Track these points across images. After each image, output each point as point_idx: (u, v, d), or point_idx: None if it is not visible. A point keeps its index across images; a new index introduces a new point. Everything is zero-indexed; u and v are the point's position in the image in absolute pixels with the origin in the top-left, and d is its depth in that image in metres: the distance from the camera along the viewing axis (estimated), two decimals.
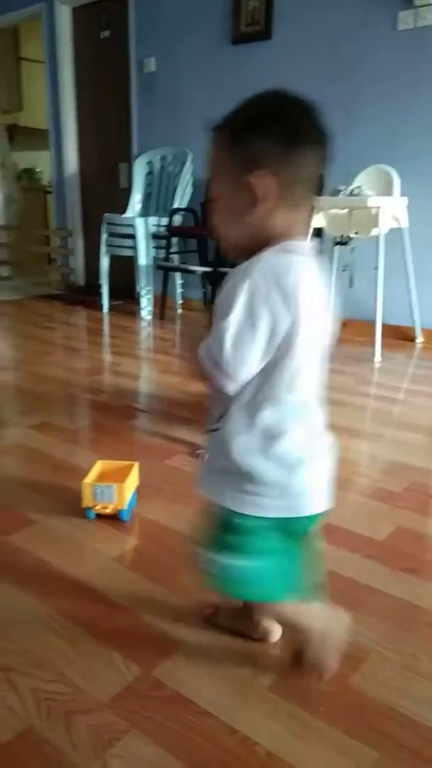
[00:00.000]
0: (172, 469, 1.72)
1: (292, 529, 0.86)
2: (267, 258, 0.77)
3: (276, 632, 1.01)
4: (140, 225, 3.97)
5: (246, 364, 0.76)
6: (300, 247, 0.79)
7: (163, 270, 4.01)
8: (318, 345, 0.82)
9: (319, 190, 0.81)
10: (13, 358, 3.09)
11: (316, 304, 0.79)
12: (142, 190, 4.39)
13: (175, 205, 4.10)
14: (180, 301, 4.36)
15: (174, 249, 4.06)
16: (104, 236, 4.15)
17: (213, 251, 3.86)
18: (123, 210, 4.35)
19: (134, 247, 4.03)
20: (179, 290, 4.34)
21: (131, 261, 4.18)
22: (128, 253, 4.11)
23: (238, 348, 0.75)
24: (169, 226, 4.01)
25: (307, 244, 0.81)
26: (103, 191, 4.94)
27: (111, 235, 4.14)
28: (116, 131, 4.69)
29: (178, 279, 4.31)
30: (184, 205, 4.14)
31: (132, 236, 4.01)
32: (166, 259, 4.03)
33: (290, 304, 0.75)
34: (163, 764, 0.80)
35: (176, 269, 4.06)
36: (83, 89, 4.86)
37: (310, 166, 0.78)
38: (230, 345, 0.75)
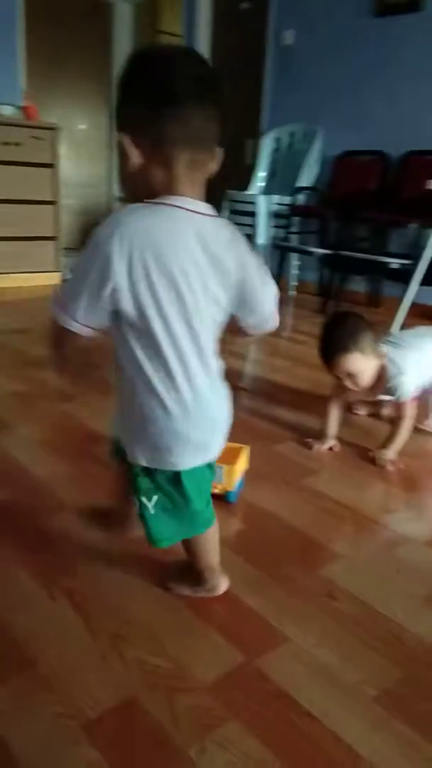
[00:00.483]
0: (281, 456, 1.69)
1: (167, 478, 0.92)
2: (123, 210, 0.83)
3: (222, 585, 1.07)
4: (262, 202, 3.92)
5: (76, 295, 0.81)
6: (179, 201, 0.83)
7: (280, 250, 3.94)
8: (189, 305, 0.84)
9: (208, 144, 0.88)
10: None
11: (172, 259, 0.82)
12: (267, 167, 4.32)
13: (300, 184, 3.99)
14: (294, 283, 4.28)
15: (294, 229, 3.97)
16: (226, 213, 4.13)
17: (335, 233, 3.74)
18: (246, 187, 4.30)
19: (253, 225, 3.98)
20: (294, 272, 4.25)
21: (249, 239, 4.14)
22: (247, 231, 4.07)
23: (72, 282, 0.83)
24: (291, 205, 3.92)
25: (193, 201, 0.85)
26: (229, 167, 4.91)
27: (232, 212, 4.12)
28: (245, 107, 4.63)
29: (294, 260, 4.23)
30: (309, 184, 4.03)
31: (253, 214, 3.96)
32: (285, 238, 3.95)
33: (123, 253, 0.79)
34: (262, 760, 0.78)
35: (294, 249, 3.98)
36: (218, 63, 4.81)
37: (184, 126, 0.81)
38: (69, 280, 0.84)
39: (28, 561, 1.15)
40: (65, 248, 4.24)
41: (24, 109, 3.77)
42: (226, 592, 1.09)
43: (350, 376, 1.60)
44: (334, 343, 1.59)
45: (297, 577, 1.15)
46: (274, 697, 0.88)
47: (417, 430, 1.94)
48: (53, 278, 4.06)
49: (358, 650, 0.97)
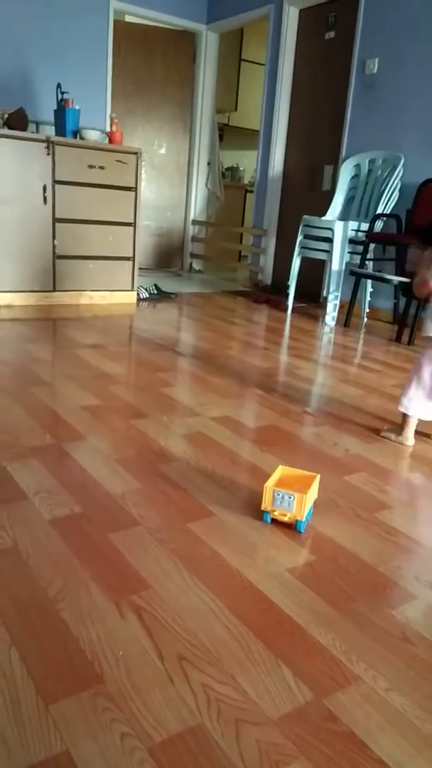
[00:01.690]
0: (352, 487, 1.65)
1: None
2: None
3: None
4: (339, 228, 3.90)
5: None
6: None
7: (355, 276, 3.90)
8: None
9: None
10: (196, 348, 3.21)
11: None
12: (345, 193, 4.31)
13: (379, 211, 3.95)
14: (367, 310, 4.22)
15: (370, 256, 3.92)
16: (300, 237, 4.14)
17: (412, 262, 3.66)
18: (321, 213, 4.30)
19: (329, 251, 3.96)
20: (368, 299, 4.19)
21: (321, 264, 4.12)
22: (321, 256, 4.06)
23: None
24: (369, 232, 3.88)
25: None
26: (304, 193, 4.93)
27: (306, 237, 4.12)
28: (326, 133, 4.65)
29: (368, 287, 4.17)
30: (388, 211, 3.98)
31: (329, 239, 3.95)
32: (361, 265, 3.91)
33: None
34: None
35: (371, 276, 3.93)
36: (299, 91, 4.89)
37: None
38: None
39: (98, 575, 1.16)
40: (140, 268, 4.36)
41: (109, 133, 3.93)
42: (297, 627, 1.06)
43: None
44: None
45: (369, 616, 1.11)
46: (343, 739, 0.84)
47: None
48: (129, 297, 4.17)
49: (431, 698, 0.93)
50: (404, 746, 0.84)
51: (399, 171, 3.91)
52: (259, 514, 1.41)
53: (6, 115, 3.53)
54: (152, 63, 5.52)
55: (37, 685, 0.89)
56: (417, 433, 2.04)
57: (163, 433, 1.92)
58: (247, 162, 7.20)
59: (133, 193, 3.97)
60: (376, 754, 0.82)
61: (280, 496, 1.36)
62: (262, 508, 1.39)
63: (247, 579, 1.19)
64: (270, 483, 1.39)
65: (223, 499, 1.50)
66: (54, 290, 3.84)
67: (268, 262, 5.31)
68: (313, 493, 1.43)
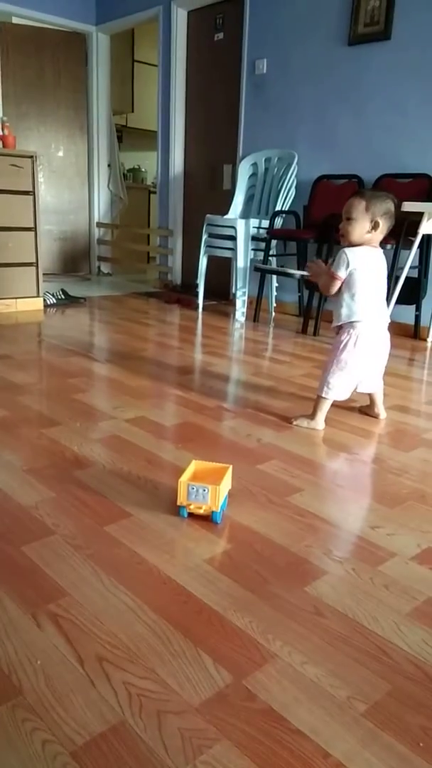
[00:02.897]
0: (265, 475, 1.70)
1: None
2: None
3: None
4: (241, 226, 3.98)
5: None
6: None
7: (260, 272, 4.00)
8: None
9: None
10: (109, 351, 3.18)
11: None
12: (244, 191, 4.41)
13: (278, 208, 4.07)
14: (274, 305, 4.33)
15: (272, 252, 4.04)
16: (204, 237, 4.19)
17: (312, 255, 3.80)
18: (224, 211, 4.37)
19: (233, 249, 4.04)
20: (274, 293, 4.31)
21: (227, 262, 4.19)
22: (227, 254, 4.13)
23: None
24: (270, 229, 3.99)
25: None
26: (206, 192, 5.00)
27: (211, 236, 4.18)
28: (223, 133, 4.73)
29: (273, 282, 4.29)
30: (286, 208, 4.11)
31: (232, 237, 4.02)
32: (265, 261, 4.02)
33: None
34: None
35: (275, 272, 4.04)
36: (194, 91, 4.94)
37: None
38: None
39: (12, 588, 1.14)
40: (45, 273, 4.26)
41: (1, 137, 3.81)
42: (215, 614, 1.09)
43: (348, 221, 1.94)
44: (361, 191, 1.98)
45: (284, 595, 1.15)
46: (262, 715, 0.87)
47: (401, 447, 1.97)
48: (35, 304, 4.07)
49: (345, 666, 0.98)
50: (319, 714, 0.88)
51: (294, 168, 4.05)
52: (176, 510, 1.43)
53: None
54: (43, 65, 5.40)
55: None
56: (360, 411, 2.22)
57: (76, 439, 1.90)
58: (148, 163, 7.20)
59: (31, 197, 3.87)
60: (294, 725, 0.86)
61: (195, 489, 1.38)
62: (178, 503, 1.41)
63: (166, 574, 1.20)
64: (184, 478, 1.41)
65: (140, 500, 1.51)
66: None
67: (176, 262, 5.34)
68: (226, 483, 1.47)
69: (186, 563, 1.25)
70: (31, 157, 3.83)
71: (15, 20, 5.17)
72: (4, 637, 1.01)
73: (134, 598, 1.13)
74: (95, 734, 0.83)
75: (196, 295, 4.40)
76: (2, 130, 3.83)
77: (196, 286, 4.38)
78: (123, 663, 0.96)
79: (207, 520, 1.40)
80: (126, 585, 1.16)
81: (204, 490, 1.38)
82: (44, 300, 4.15)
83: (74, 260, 5.94)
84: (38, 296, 4.08)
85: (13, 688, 0.91)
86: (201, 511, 1.39)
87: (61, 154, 5.67)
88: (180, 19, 4.83)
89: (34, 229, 3.94)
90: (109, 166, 5.91)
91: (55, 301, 4.29)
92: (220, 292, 4.78)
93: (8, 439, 1.86)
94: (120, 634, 1.03)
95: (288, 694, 0.92)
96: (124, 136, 6.65)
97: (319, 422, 2.08)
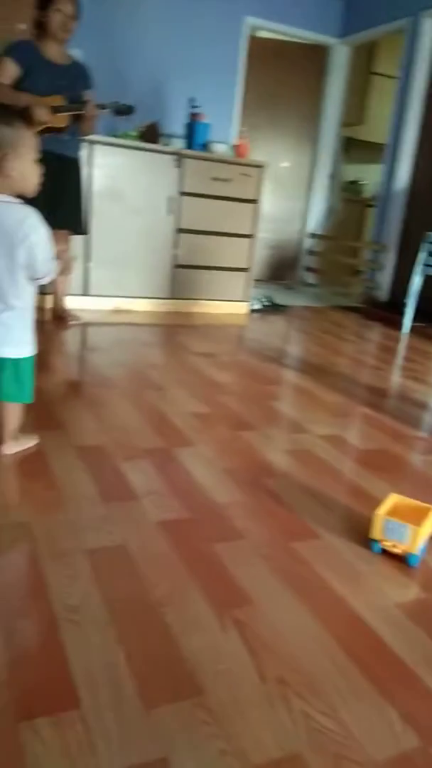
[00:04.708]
0: None
1: None
2: None
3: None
4: None
5: None
6: None
7: None
8: None
9: None
10: (305, 362, 3.17)
11: None
12: None
13: None
14: None
15: None
16: (422, 254, 3.99)
17: None
18: None
19: None
20: None
21: None
22: None
23: None
24: None
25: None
26: (429, 209, 4.75)
27: (430, 254, 3.96)
28: None
29: None
30: None
31: None
32: None
33: None
34: None
35: None
36: (429, 102, 4.72)
37: None
38: None
39: (202, 584, 1.17)
40: (255, 279, 4.39)
41: (236, 147, 3.99)
42: (405, 666, 1.01)
43: None
44: None
45: None
46: None
47: None
48: (241, 308, 4.21)
49: None
50: None
51: None
52: (366, 541, 1.36)
53: (141, 129, 3.69)
54: (282, 77, 5.56)
55: (139, 686, 0.91)
56: None
57: (269, 446, 1.92)
58: (370, 176, 7.05)
59: (255, 205, 4.01)
60: None
61: (393, 526, 1.31)
62: (371, 537, 1.34)
63: (353, 608, 1.15)
64: (381, 511, 1.34)
65: (328, 522, 1.46)
66: (171, 298, 3.96)
67: (385, 278, 5.16)
68: (428, 526, 1.36)
69: (376, 603, 1.18)
70: (261, 166, 3.96)
71: (261, 33, 5.39)
72: (191, 632, 1.04)
73: (319, 625, 1.09)
74: (273, 758, 0.81)
75: (403, 314, 4.20)
76: (239, 140, 4.02)
77: (404, 305, 4.19)
78: (304, 692, 0.93)
79: (401, 560, 1.32)
80: (311, 609, 1.13)
81: (403, 529, 1.29)
82: (250, 305, 4.27)
83: (281, 268, 6.04)
84: (245, 301, 4.22)
85: (195, 685, 0.93)
86: (397, 550, 1.31)
87: (286, 164, 5.80)
88: (428, 31, 4.64)
89: (252, 236, 4.08)
90: (330, 177, 5.90)
91: (259, 307, 4.40)
92: (431, 315, 4.51)
93: (208, 436, 1.94)
94: (302, 659, 1.00)
95: None
96: (350, 147, 6.59)
97: None
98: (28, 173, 1.48)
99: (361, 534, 1.41)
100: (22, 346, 1.56)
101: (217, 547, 1.30)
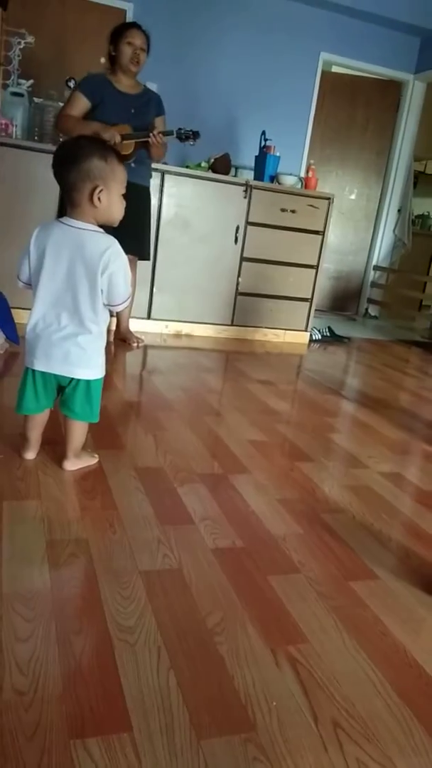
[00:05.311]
0: None
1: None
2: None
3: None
4: None
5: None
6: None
7: None
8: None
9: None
10: (366, 395, 3.12)
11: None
12: None
13: None
14: None
15: None
16: None
17: None
18: None
19: None
20: None
21: None
22: None
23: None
24: None
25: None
26: None
27: None
28: None
29: None
30: None
31: None
32: None
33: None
34: None
35: None
36: None
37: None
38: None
39: (257, 616, 1.15)
40: (317, 309, 4.38)
41: (305, 179, 4.03)
42: None
43: None
44: None
45: None
46: None
47: None
48: (302, 337, 4.20)
49: None
50: None
51: None
52: (429, 586, 1.31)
53: (212, 160, 3.78)
54: (354, 111, 5.60)
55: (191, 715, 0.90)
56: None
57: (328, 480, 1.89)
58: None
59: (320, 237, 4.02)
60: None
61: None
62: None
63: (413, 656, 1.10)
64: None
65: (389, 563, 1.42)
66: (232, 324, 4.00)
67: None
68: None
69: None
70: (329, 199, 3.98)
71: (335, 69, 5.46)
72: (244, 664, 1.02)
73: (376, 670, 1.05)
74: None
75: None
76: (307, 172, 4.05)
77: None
78: (358, 738, 0.90)
79: None
80: (368, 653, 1.10)
81: None
82: (311, 335, 4.26)
83: (344, 299, 6.01)
84: (306, 330, 4.21)
85: (247, 720, 0.91)
86: None
87: (353, 197, 5.80)
88: None
89: (316, 267, 4.08)
90: (399, 211, 5.86)
91: (320, 337, 4.37)
92: None
93: (264, 465, 1.93)
94: (358, 704, 0.97)
95: None
96: (420, 182, 6.54)
97: None
98: (115, 206, 1.54)
99: (421, 577, 1.36)
100: (94, 368, 1.61)
101: (272, 580, 1.28)
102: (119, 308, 1.60)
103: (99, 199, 1.50)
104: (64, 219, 1.55)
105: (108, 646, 1.02)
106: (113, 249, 1.52)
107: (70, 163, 1.48)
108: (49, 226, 1.55)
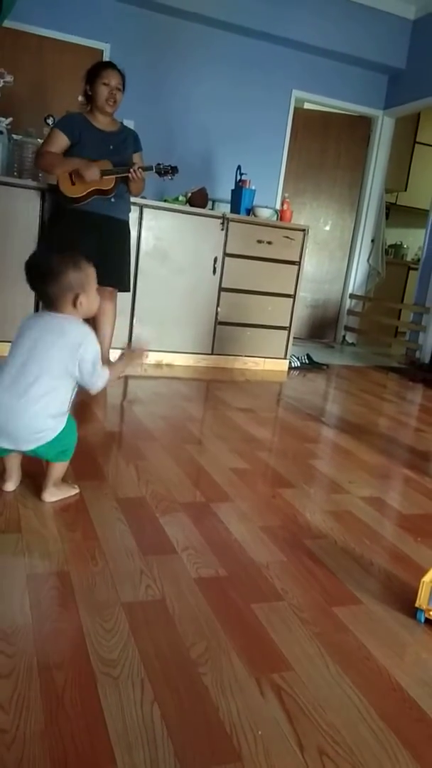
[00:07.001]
0: None
1: None
2: None
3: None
4: None
5: None
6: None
7: None
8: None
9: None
10: (345, 421, 3.15)
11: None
12: None
13: None
14: None
15: None
16: None
17: None
18: None
19: None
20: None
21: None
22: None
23: None
24: None
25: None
26: None
27: None
28: None
29: None
30: None
31: None
32: None
33: None
34: None
35: None
36: None
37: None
38: None
39: (240, 646, 1.15)
40: (295, 337, 4.44)
41: (280, 211, 4.12)
42: None
43: None
44: None
45: None
46: None
47: None
48: (281, 365, 4.25)
49: None
50: None
51: None
52: (411, 610, 1.32)
53: (189, 194, 3.86)
54: (326, 146, 5.77)
55: (175, 748, 0.89)
56: None
57: (309, 506, 1.90)
58: (411, 240, 7.15)
59: (297, 267, 4.10)
60: None
61: None
62: (417, 605, 1.30)
63: (396, 680, 1.11)
64: (428, 579, 1.30)
65: (371, 587, 1.43)
66: (212, 353, 4.03)
67: (427, 339, 5.14)
68: None
69: (420, 675, 1.13)
70: (304, 230, 4.07)
71: (307, 105, 5.64)
72: (229, 694, 1.01)
73: (360, 695, 1.05)
74: None
75: None
76: (282, 205, 4.15)
77: None
78: (344, 765, 0.90)
79: None
80: (352, 678, 1.10)
81: None
82: (289, 362, 4.31)
83: (321, 327, 6.10)
84: (285, 358, 4.25)
85: (233, 750, 0.90)
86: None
87: (328, 228, 5.94)
88: None
89: (293, 296, 4.15)
90: (372, 241, 6.00)
91: (299, 365, 4.42)
92: None
93: (246, 492, 1.93)
94: (343, 730, 0.97)
95: None
96: (392, 213, 6.72)
97: None
98: (92, 303, 1.66)
99: (403, 601, 1.37)
100: (58, 421, 1.61)
101: (255, 608, 1.28)
102: (91, 392, 1.64)
103: (81, 303, 1.61)
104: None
105: (91, 680, 1.00)
106: (89, 338, 1.60)
107: (50, 279, 1.57)
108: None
